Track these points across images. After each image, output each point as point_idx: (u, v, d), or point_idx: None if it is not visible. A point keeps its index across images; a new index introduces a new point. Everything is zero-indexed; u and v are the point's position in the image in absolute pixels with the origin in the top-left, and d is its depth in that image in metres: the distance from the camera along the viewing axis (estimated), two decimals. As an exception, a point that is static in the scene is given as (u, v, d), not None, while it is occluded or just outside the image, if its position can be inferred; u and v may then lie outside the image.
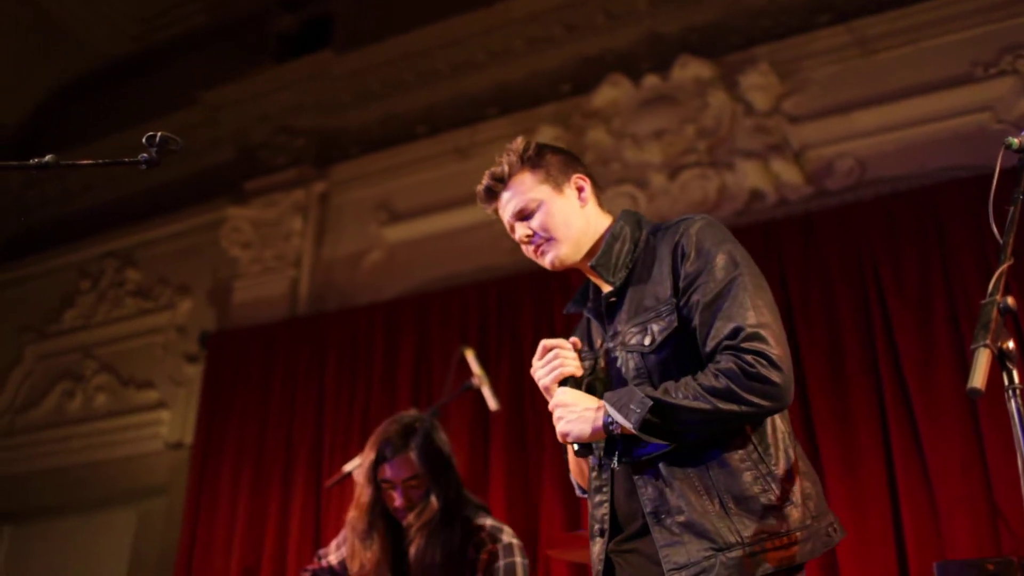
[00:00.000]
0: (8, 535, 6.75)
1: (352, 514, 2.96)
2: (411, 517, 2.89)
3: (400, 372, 5.27)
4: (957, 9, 4.80)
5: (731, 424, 1.85)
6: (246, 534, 5.32)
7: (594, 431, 1.93)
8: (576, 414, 1.96)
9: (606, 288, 2.12)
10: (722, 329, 1.86)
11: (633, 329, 2.01)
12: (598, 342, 2.14)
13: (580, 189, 2.18)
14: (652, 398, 1.84)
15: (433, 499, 2.88)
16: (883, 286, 4.27)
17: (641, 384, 1.94)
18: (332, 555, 3.16)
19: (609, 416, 1.90)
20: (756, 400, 1.80)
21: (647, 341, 1.97)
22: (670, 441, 1.87)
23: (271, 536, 5.24)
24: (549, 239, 2.11)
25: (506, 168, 2.16)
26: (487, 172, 2.19)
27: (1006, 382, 1.41)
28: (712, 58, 5.30)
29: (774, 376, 1.81)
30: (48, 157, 1.78)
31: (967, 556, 3.59)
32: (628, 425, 1.85)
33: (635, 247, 2.11)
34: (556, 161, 2.19)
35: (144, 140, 1.85)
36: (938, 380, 3.97)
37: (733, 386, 1.80)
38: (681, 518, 1.88)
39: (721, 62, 5.28)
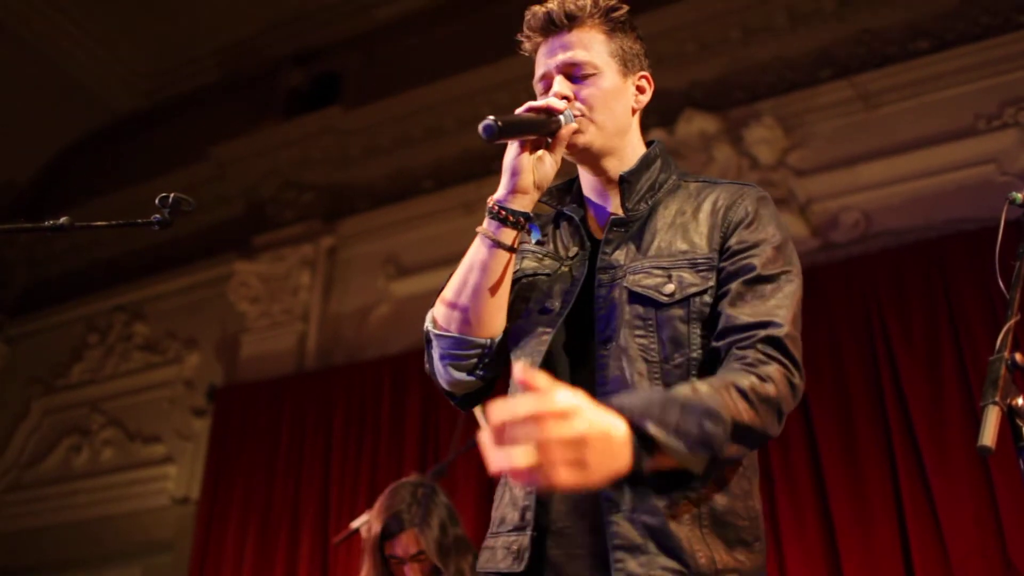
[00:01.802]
0: (13, 592, 6.70)
1: None
2: None
3: (408, 426, 5.25)
4: (958, 63, 4.85)
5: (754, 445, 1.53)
6: (252, 591, 5.28)
7: (620, 473, 1.32)
8: (602, 456, 1.27)
9: (613, 205, 1.80)
10: (760, 311, 1.59)
11: (651, 267, 1.68)
12: (573, 250, 1.80)
13: (641, 90, 1.86)
14: (730, 419, 1.42)
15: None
16: (891, 339, 4.26)
17: (645, 337, 1.62)
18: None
19: (644, 455, 1.33)
20: (781, 422, 1.53)
21: (668, 289, 1.65)
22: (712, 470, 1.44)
23: (277, 593, 5.20)
24: (585, 116, 1.75)
25: (587, 11, 1.77)
26: (557, 1, 1.80)
27: (1016, 439, 1.41)
28: (717, 112, 5.34)
29: (800, 381, 1.57)
30: (63, 219, 1.80)
31: (982, 612, 3.55)
32: (690, 461, 1.37)
33: (660, 186, 1.80)
34: (636, 44, 1.84)
35: (157, 201, 1.86)
36: (948, 435, 3.95)
37: (782, 401, 1.51)
38: (650, 520, 1.54)
39: (726, 116, 5.32)
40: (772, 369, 1.53)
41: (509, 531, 1.69)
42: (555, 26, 1.78)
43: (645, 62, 1.86)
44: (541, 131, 1.71)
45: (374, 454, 5.29)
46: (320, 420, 5.59)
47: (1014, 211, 1.78)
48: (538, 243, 1.85)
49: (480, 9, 6.34)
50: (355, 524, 3.56)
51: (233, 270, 6.46)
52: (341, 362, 5.91)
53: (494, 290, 1.71)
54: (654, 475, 1.38)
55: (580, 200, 1.86)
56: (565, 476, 1.23)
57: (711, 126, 5.30)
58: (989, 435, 1.32)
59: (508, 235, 1.72)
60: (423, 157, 6.37)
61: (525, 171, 1.72)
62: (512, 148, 1.74)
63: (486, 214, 1.74)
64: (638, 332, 1.64)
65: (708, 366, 1.63)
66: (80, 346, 7.13)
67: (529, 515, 1.64)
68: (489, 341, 1.75)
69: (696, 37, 5.64)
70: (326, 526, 5.21)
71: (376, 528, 2.91)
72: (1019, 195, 1.76)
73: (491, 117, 1.63)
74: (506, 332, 1.77)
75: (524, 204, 1.73)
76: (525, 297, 1.79)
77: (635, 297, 1.66)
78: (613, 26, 1.79)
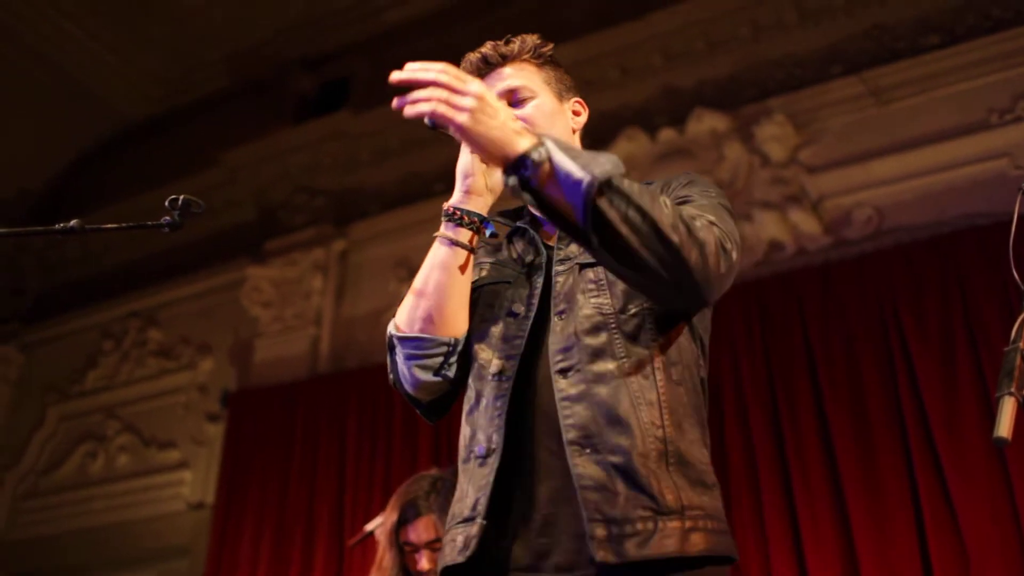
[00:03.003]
0: (30, 598, 6.73)
1: None
2: None
3: (421, 429, 5.25)
4: (970, 57, 4.82)
5: (663, 273, 1.53)
6: (268, 595, 5.29)
7: (503, 153, 1.53)
8: (499, 119, 1.54)
9: None
10: (692, 209, 1.68)
11: None
12: (530, 258, 1.87)
13: (577, 113, 1.99)
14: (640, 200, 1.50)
15: None
16: (905, 335, 4.24)
17: (598, 296, 1.71)
18: (355, 615, 3.14)
19: (541, 151, 1.50)
20: (709, 260, 1.55)
21: None
22: (592, 237, 1.49)
23: (293, 596, 5.20)
24: None
25: (516, 49, 1.93)
26: (488, 43, 1.95)
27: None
28: (727, 111, 5.33)
29: (734, 257, 1.64)
30: (73, 222, 1.81)
31: (1001, 609, 3.52)
32: (580, 175, 1.46)
33: None
34: (565, 76, 1.99)
35: (167, 203, 1.87)
36: (964, 430, 3.92)
37: (700, 232, 1.55)
38: (616, 459, 1.57)
39: (736, 114, 5.30)
40: (706, 223, 1.60)
41: (457, 524, 1.73)
42: (489, 65, 1.92)
43: (576, 90, 2.01)
44: None
45: (388, 457, 5.29)
46: (334, 424, 5.60)
47: (1028, 203, 1.76)
48: (495, 255, 1.93)
49: (487, 12, 6.34)
50: (370, 526, 3.56)
51: (245, 275, 6.48)
52: (354, 366, 5.91)
53: (455, 288, 1.79)
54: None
55: (532, 217, 1.95)
56: (459, 116, 1.57)
57: (722, 124, 5.29)
58: (1005, 426, 1.31)
59: (464, 235, 1.80)
60: (433, 160, 6.36)
61: (477, 174, 1.81)
62: (464, 154, 1.84)
63: (442, 218, 1.82)
64: (591, 293, 1.72)
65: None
66: (95, 352, 7.16)
67: (480, 506, 1.67)
68: (453, 340, 1.81)
69: (705, 35, 5.63)
70: (341, 529, 5.22)
71: (393, 517, 2.91)
72: (1032, 186, 1.75)
73: None
74: (471, 335, 1.84)
75: (478, 205, 1.82)
76: (489, 303, 1.85)
77: (587, 266, 1.75)
78: (542, 60, 1.95)
